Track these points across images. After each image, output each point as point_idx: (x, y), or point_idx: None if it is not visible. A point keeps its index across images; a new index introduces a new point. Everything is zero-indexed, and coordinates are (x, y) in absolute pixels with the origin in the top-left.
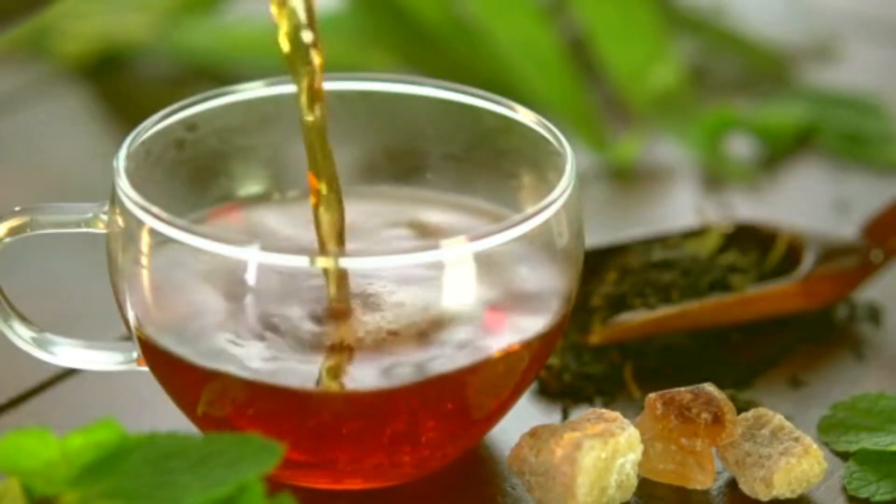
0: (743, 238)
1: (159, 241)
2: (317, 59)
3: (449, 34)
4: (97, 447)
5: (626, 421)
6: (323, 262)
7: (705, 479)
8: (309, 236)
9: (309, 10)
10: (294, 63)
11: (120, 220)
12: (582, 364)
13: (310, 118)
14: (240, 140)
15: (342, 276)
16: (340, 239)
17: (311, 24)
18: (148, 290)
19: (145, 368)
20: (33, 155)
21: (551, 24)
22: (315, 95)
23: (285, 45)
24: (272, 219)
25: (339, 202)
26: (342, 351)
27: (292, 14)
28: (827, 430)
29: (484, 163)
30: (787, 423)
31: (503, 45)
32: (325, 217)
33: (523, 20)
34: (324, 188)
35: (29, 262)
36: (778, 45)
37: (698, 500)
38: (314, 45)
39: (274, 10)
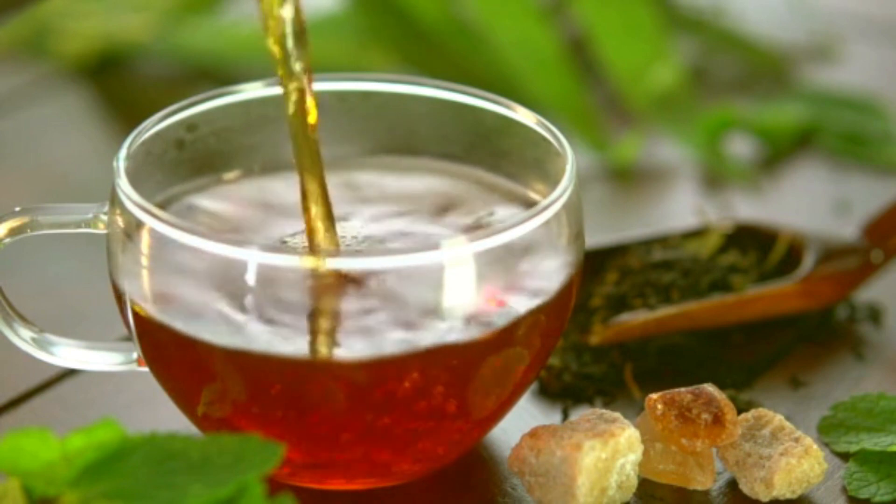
0: (743, 238)
1: (159, 240)
2: (302, 63)
3: (449, 34)
4: (97, 447)
5: (626, 421)
6: (324, 264)
7: (705, 480)
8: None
9: (298, 20)
10: (281, 65)
11: (120, 221)
12: (582, 364)
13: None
14: (239, 140)
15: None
16: (331, 234)
17: (300, 30)
18: (148, 290)
19: (145, 369)
20: (33, 155)
21: (551, 24)
22: (304, 103)
23: (273, 49)
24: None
25: (326, 197)
26: (340, 331)
27: (280, 22)
28: (827, 431)
29: (484, 163)
30: (788, 424)
31: (503, 45)
32: (315, 213)
33: (523, 20)
34: (311, 185)
35: (29, 263)
36: (778, 45)
37: (698, 501)
38: (301, 43)
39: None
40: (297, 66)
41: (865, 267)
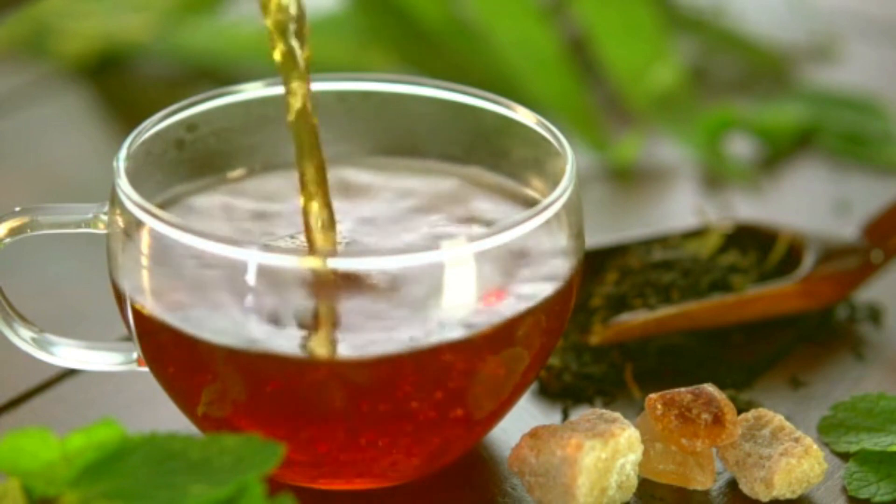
0: (743, 238)
1: (159, 240)
2: (303, 60)
3: (449, 34)
4: (97, 447)
5: (626, 421)
6: (324, 264)
7: (705, 480)
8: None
9: (300, 16)
10: (282, 63)
11: (120, 221)
12: (582, 364)
13: (296, 117)
14: (239, 140)
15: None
16: (331, 233)
17: (301, 27)
18: (148, 290)
19: (145, 369)
20: (33, 155)
21: (551, 24)
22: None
23: (275, 48)
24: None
25: (327, 196)
26: (340, 330)
27: (283, 21)
28: (827, 431)
29: (484, 163)
30: (788, 424)
31: (503, 45)
32: (315, 213)
33: (523, 20)
34: (311, 184)
35: (29, 263)
36: (778, 45)
37: (698, 501)
38: (301, 44)
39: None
40: (299, 59)
41: (865, 267)
